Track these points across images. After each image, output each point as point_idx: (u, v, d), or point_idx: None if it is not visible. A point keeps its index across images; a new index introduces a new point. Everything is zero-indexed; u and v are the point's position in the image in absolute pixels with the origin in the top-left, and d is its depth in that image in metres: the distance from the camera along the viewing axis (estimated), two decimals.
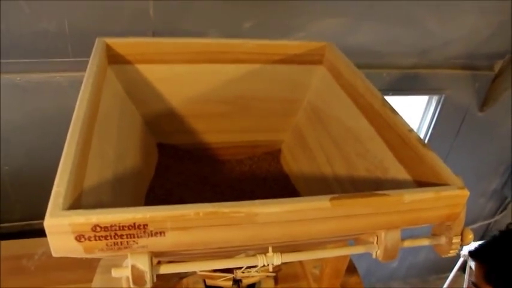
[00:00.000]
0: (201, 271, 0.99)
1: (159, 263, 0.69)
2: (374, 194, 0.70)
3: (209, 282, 1.05)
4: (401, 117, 0.90)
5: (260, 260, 0.71)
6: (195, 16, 1.40)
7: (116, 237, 0.61)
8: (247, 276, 0.97)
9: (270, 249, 0.72)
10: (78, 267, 1.22)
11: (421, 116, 2.05)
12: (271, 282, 1.14)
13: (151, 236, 0.62)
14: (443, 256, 0.83)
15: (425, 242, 0.82)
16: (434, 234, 0.82)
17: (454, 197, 0.73)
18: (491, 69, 1.86)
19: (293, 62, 1.15)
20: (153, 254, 0.66)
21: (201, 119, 1.14)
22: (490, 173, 2.33)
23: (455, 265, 2.33)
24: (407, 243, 0.80)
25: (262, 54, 1.13)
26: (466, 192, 0.74)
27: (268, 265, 0.72)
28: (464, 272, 2.25)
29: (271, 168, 1.16)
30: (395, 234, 0.74)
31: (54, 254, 0.63)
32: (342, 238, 0.75)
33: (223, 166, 1.15)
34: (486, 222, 2.57)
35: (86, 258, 0.87)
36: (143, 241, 0.63)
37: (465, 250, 2.13)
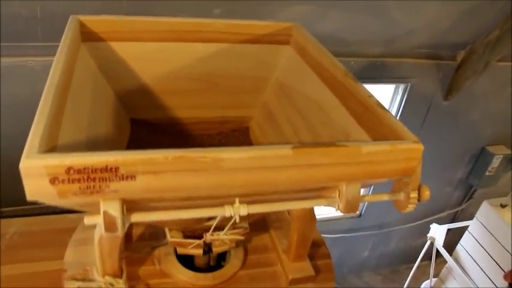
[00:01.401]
0: (171, 238, 1.02)
1: None
2: (333, 144, 0.76)
3: (180, 251, 1.08)
4: (362, 85, 0.96)
5: (227, 210, 0.76)
6: (165, 3, 1.45)
7: (89, 180, 0.65)
8: (216, 240, 1.01)
9: (237, 200, 0.76)
10: (50, 245, 1.24)
11: (388, 105, 2.13)
12: (241, 254, 1.18)
13: (123, 179, 0.66)
14: (402, 211, 0.88)
15: (384, 197, 0.88)
16: (393, 191, 0.88)
17: (409, 151, 0.79)
18: (455, 59, 1.96)
19: (261, 41, 1.21)
20: (125, 203, 0.70)
21: (172, 95, 1.18)
22: (455, 162, 2.42)
23: (423, 253, 2.40)
24: (368, 198, 0.85)
25: (230, 34, 1.18)
26: (421, 146, 0.80)
27: (234, 216, 0.77)
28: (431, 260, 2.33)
29: (240, 143, 1.21)
30: (356, 187, 0.80)
31: (29, 198, 0.67)
32: (304, 190, 0.80)
33: (194, 140, 1.20)
34: (453, 210, 2.67)
35: (56, 236, 0.90)
36: (115, 185, 0.67)
37: (432, 232, 2.22)
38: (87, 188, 0.66)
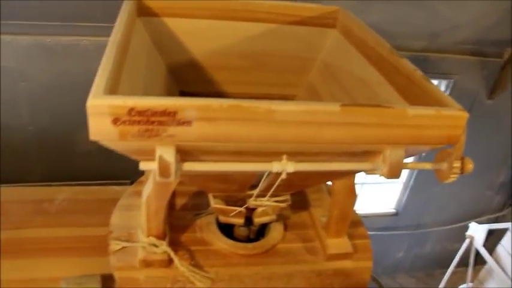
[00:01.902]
0: (215, 204, 1.06)
1: None
2: (380, 105, 0.78)
3: (222, 219, 1.12)
4: (407, 60, 0.98)
5: (275, 166, 0.79)
6: None
7: (148, 123, 0.70)
8: (259, 205, 1.04)
9: (284, 156, 0.80)
10: (95, 213, 1.31)
11: None
12: (280, 228, 1.20)
13: (179, 125, 0.71)
14: (443, 182, 0.89)
15: (427, 166, 0.89)
16: (436, 161, 0.89)
17: (454, 118, 0.81)
18: (500, 57, 1.94)
19: (308, 24, 1.25)
20: (178, 152, 0.75)
21: (220, 71, 1.23)
22: (498, 164, 2.38)
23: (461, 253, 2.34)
24: (411, 165, 0.87)
25: (279, 15, 1.23)
26: (466, 115, 0.82)
27: (281, 172, 0.80)
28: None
29: None
30: (400, 152, 0.82)
31: (92, 137, 0.72)
32: (349, 152, 0.82)
33: None
34: (494, 215, 2.61)
35: (102, 205, 0.94)
36: (171, 130, 0.71)
37: (471, 231, 2.17)
38: (146, 131, 0.71)
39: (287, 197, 1.09)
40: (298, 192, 1.32)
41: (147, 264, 1.04)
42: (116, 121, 0.69)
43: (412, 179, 2.39)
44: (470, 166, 0.88)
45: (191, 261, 1.07)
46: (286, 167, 0.79)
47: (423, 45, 1.79)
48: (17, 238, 1.24)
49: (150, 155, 0.74)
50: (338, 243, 1.13)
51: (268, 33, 1.23)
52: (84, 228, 1.28)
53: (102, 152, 1.82)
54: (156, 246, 1.05)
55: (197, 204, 1.24)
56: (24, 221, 1.29)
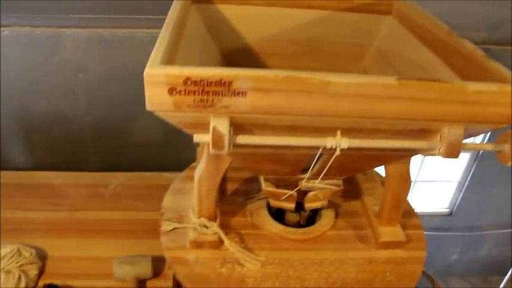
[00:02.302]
0: (266, 187, 1.06)
1: None
2: (439, 80, 0.76)
3: (273, 203, 1.12)
4: (466, 40, 0.96)
5: (329, 141, 0.79)
6: None
7: (203, 93, 0.71)
8: (311, 188, 1.03)
9: (339, 132, 0.79)
10: (148, 198, 1.34)
11: None
12: (331, 215, 1.19)
13: (234, 95, 0.72)
14: (505, 164, 0.86)
15: (488, 147, 0.86)
16: (498, 142, 0.86)
17: None
18: None
19: (362, 10, 1.23)
20: (232, 125, 0.76)
21: (273, 57, 1.24)
22: None
23: None
24: (471, 145, 0.84)
25: (333, 1, 1.22)
26: None
27: (334, 152, 0.79)
28: None
29: None
30: (459, 130, 0.79)
31: (148, 107, 0.74)
32: (406, 131, 0.80)
33: None
34: None
35: (154, 191, 0.95)
36: (226, 100, 0.72)
37: None
38: (200, 101, 0.72)
39: (339, 181, 1.07)
40: (350, 181, 1.30)
41: (197, 245, 1.06)
42: (171, 91, 0.71)
43: (468, 178, 2.30)
44: None
45: (241, 244, 1.07)
46: (340, 142, 0.78)
47: (483, 37, 1.72)
48: (72, 219, 1.29)
49: (204, 128, 0.76)
50: (390, 232, 1.11)
51: (322, 20, 1.23)
52: (136, 212, 1.32)
53: (155, 143, 1.87)
54: (206, 227, 1.06)
55: (248, 190, 1.24)
56: (79, 204, 1.34)
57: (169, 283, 1.14)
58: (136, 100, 1.69)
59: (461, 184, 2.38)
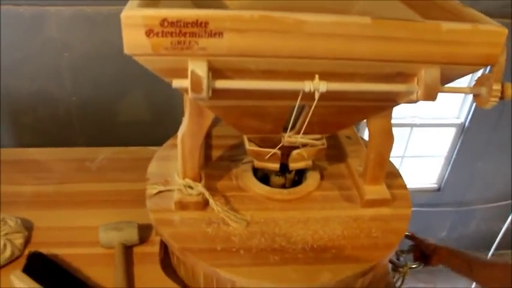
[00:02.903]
0: (250, 147, 1.07)
1: None
2: (412, 19, 0.77)
3: (258, 164, 1.12)
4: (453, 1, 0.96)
5: (307, 85, 0.79)
6: None
7: (180, 34, 0.72)
8: (294, 142, 1.03)
9: (317, 76, 0.80)
10: (134, 170, 1.34)
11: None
12: (316, 176, 1.20)
13: (211, 36, 0.73)
14: (483, 107, 0.87)
15: (466, 90, 0.88)
16: (475, 86, 0.87)
17: (492, 34, 0.79)
18: None
19: None
20: (211, 70, 0.76)
21: None
22: None
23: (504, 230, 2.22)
24: (448, 88, 0.85)
25: None
26: (505, 31, 0.79)
27: (314, 94, 0.80)
28: None
29: None
30: (435, 72, 0.80)
31: (126, 51, 0.75)
32: (383, 74, 0.81)
33: None
34: None
35: (139, 163, 0.97)
36: (203, 42, 0.73)
37: None
38: (178, 43, 0.73)
39: (323, 140, 1.08)
40: (335, 146, 1.31)
41: (182, 206, 1.06)
42: (149, 33, 0.72)
43: (455, 153, 2.32)
44: (510, 91, 0.85)
45: (226, 205, 1.08)
46: (318, 86, 0.79)
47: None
48: (59, 192, 1.29)
49: (182, 74, 0.76)
50: (375, 190, 1.12)
51: None
52: (123, 183, 1.32)
53: (142, 122, 1.87)
54: (191, 187, 1.07)
55: (233, 155, 1.25)
56: (66, 177, 1.34)
57: (156, 249, 1.14)
58: (123, 78, 1.71)
59: (448, 159, 2.40)
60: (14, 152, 1.43)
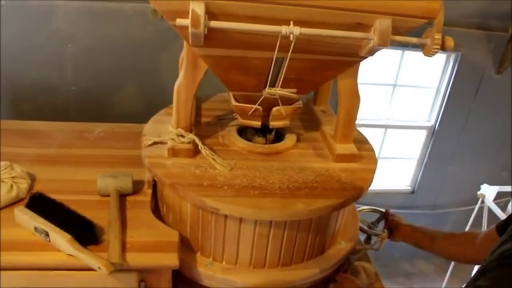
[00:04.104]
0: (235, 103, 1.26)
1: None
2: None
3: (242, 122, 1.30)
4: None
5: (284, 29, 1.00)
6: None
7: None
8: (273, 94, 1.22)
9: (291, 22, 1.01)
10: (130, 140, 1.52)
11: (440, 74, 2.33)
12: (294, 137, 1.38)
13: None
14: (427, 56, 1.09)
15: (413, 40, 1.09)
16: (422, 38, 1.10)
17: None
18: (506, 31, 2.13)
19: None
20: (207, 13, 0.97)
21: None
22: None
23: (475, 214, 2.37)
24: (399, 38, 1.07)
25: None
26: None
27: (289, 34, 1.01)
28: None
29: None
30: (387, 21, 1.03)
31: None
32: (345, 19, 1.03)
33: None
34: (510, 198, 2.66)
35: (134, 136, 1.16)
36: None
37: (483, 190, 2.25)
38: None
39: (299, 101, 1.29)
40: (311, 119, 1.52)
41: (174, 153, 1.24)
42: None
43: (426, 155, 2.53)
44: (450, 43, 1.07)
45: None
46: (293, 29, 1.00)
47: None
48: (59, 155, 1.45)
49: (183, 16, 0.97)
50: (345, 147, 1.31)
51: None
52: (118, 150, 1.49)
53: (137, 114, 2.05)
54: (183, 136, 1.25)
55: (220, 117, 1.45)
56: (66, 144, 1.51)
57: (148, 198, 1.30)
58: (120, 71, 1.91)
59: (420, 162, 2.61)
60: (15, 123, 1.59)
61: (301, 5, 0.99)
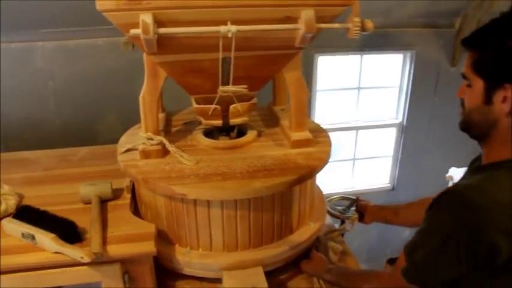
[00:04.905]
0: (196, 105, 1.45)
1: None
2: None
3: (204, 122, 1.47)
4: None
5: (222, 29, 1.20)
6: None
7: None
8: (226, 92, 1.39)
9: (229, 22, 1.21)
10: (109, 158, 1.69)
11: (400, 74, 2.53)
12: (255, 133, 1.54)
13: None
14: (352, 37, 1.27)
15: (336, 25, 1.28)
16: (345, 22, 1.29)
17: None
18: (452, 26, 2.33)
19: None
20: (156, 22, 1.17)
21: None
22: None
23: None
24: (324, 25, 1.26)
25: None
26: None
27: (228, 32, 1.21)
28: None
29: None
30: (311, 12, 1.22)
31: (98, 8, 1.16)
32: (278, 19, 1.22)
33: None
34: None
35: (112, 155, 1.35)
36: None
37: (451, 173, 2.39)
38: (132, 0, 1.15)
39: (255, 99, 1.48)
40: (272, 117, 1.70)
41: (145, 154, 1.42)
42: None
43: (400, 152, 2.68)
44: (370, 25, 1.26)
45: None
46: (230, 28, 1.20)
47: (380, 21, 2.21)
48: (46, 175, 1.63)
49: (136, 27, 1.17)
50: (300, 134, 1.48)
51: None
52: (99, 166, 1.67)
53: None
54: (152, 139, 1.43)
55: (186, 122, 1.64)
56: (52, 166, 1.69)
57: (127, 201, 1.46)
58: (99, 100, 2.11)
59: (395, 158, 2.76)
60: (2, 155, 1.78)
61: (235, 6, 1.19)
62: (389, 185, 2.84)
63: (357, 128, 2.66)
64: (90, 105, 2.12)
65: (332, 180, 2.79)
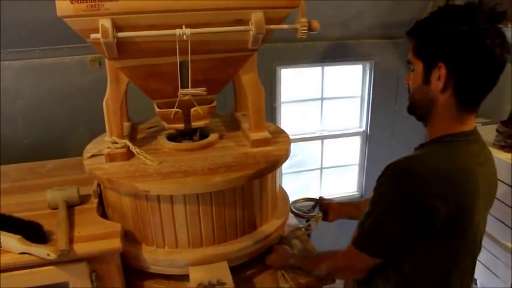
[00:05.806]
0: (158, 109, 1.56)
1: None
2: None
3: (167, 126, 1.58)
4: None
5: (177, 32, 1.33)
6: None
7: (92, 0, 1.27)
8: (185, 94, 1.50)
9: (184, 26, 1.34)
10: (76, 169, 1.79)
11: (360, 84, 2.70)
12: (217, 136, 1.66)
13: (111, 0, 1.28)
14: (300, 37, 1.42)
15: (285, 26, 1.42)
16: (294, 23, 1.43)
17: None
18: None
19: None
20: (114, 26, 1.30)
21: None
22: None
23: None
24: (273, 26, 1.40)
25: None
26: None
27: (183, 35, 1.34)
28: None
29: None
30: (260, 14, 1.36)
31: (58, 14, 1.28)
32: (230, 21, 1.36)
33: None
34: None
35: (80, 167, 1.45)
36: (106, 4, 1.27)
37: None
38: (91, 6, 1.27)
39: (214, 102, 1.60)
40: (234, 122, 1.82)
41: (111, 158, 1.52)
42: (72, 1, 1.26)
43: (365, 160, 2.82)
44: (316, 25, 1.41)
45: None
46: (185, 31, 1.33)
47: (339, 33, 2.37)
48: (13, 187, 1.71)
49: (96, 32, 1.30)
50: (259, 134, 1.61)
51: None
52: (68, 176, 1.76)
53: None
54: (117, 143, 1.53)
55: (153, 136, 1.74)
56: (20, 178, 1.77)
57: (94, 205, 1.55)
58: (68, 118, 2.21)
59: (361, 167, 2.90)
60: None
61: (190, 10, 1.32)
62: (357, 192, 2.97)
63: (322, 138, 2.79)
64: (59, 124, 2.21)
65: (300, 190, 2.90)
